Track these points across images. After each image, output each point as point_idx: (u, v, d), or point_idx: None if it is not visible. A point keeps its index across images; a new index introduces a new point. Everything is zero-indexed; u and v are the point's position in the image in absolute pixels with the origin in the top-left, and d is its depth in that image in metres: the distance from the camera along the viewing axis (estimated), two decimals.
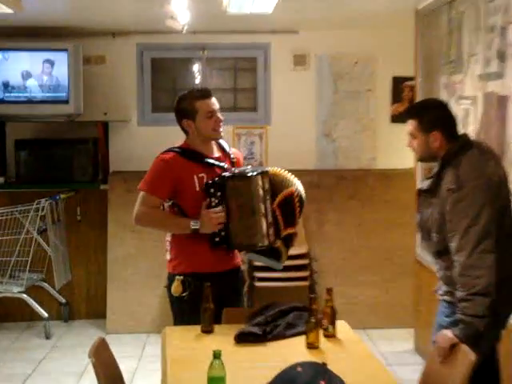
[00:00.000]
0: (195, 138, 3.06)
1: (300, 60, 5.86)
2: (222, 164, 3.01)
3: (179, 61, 5.91)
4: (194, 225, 2.94)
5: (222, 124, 3.05)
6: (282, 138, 5.87)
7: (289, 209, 2.93)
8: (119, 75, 5.84)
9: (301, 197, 3.00)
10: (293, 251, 3.08)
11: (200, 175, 2.98)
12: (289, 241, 2.99)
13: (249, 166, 3.09)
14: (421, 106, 3.10)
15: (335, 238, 5.69)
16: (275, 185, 2.95)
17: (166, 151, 3.06)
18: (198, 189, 2.96)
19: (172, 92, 5.83)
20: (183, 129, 3.08)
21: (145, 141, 5.77)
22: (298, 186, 3.00)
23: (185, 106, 3.05)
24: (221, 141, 3.16)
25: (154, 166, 3.04)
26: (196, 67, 5.92)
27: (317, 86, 5.91)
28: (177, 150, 3.03)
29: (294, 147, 5.86)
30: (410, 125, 2.84)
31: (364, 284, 5.61)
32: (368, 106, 5.94)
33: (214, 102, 3.05)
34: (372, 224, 5.68)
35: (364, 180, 5.80)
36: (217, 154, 3.08)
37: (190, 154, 3.02)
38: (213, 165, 3.03)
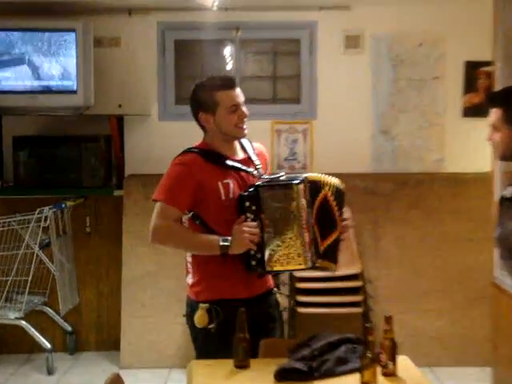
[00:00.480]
0: (215, 136, 3.08)
1: (352, 42, 5.85)
2: (250, 169, 3.04)
3: (208, 43, 5.90)
4: (223, 242, 2.92)
5: (246, 120, 3.06)
6: (330, 136, 5.88)
7: (326, 216, 2.95)
8: (137, 60, 5.86)
9: (337, 192, 3.00)
10: (343, 271, 3.38)
11: (225, 181, 3.00)
12: (333, 250, 3.00)
13: (281, 173, 3.10)
14: (508, 92, 3.07)
15: (394, 255, 5.67)
16: (312, 192, 2.97)
17: (183, 152, 3.07)
18: (223, 197, 2.97)
19: (198, 79, 5.53)
20: (200, 124, 3.11)
21: (167, 138, 5.77)
22: (330, 181, 2.99)
23: (203, 97, 3.05)
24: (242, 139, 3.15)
25: (172, 170, 3.04)
26: (228, 50, 5.94)
27: (373, 72, 5.90)
28: (196, 150, 3.05)
29: (344, 146, 5.89)
30: (494, 114, 2.83)
31: (430, 312, 5.60)
32: (435, 97, 5.92)
33: (239, 94, 3.05)
34: (439, 239, 5.68)
35: (429, 186, 5.78)
36: (241, 155, 3.11)
37: (212, 156, 3.03)
38: (239, 169, 3.05)
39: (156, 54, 5.85)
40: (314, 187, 2.93)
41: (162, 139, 5.85)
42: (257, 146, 3.22)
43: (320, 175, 2.99)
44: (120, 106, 5.81)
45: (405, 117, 5.96)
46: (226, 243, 2.91)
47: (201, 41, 5.89)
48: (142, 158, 5.90)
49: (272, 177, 3.02)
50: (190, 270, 3.11)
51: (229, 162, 2.99)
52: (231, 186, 2.99)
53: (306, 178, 2.91)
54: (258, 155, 3.18)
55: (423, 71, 5.87)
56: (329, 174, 3.06)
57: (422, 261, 5.65)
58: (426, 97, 5.90)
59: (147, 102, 5.92)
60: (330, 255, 2.98)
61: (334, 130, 5.90)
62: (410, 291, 5.60)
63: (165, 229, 2.96)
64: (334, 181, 3.01)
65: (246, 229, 2.89)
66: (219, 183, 2.98)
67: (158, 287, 5.57)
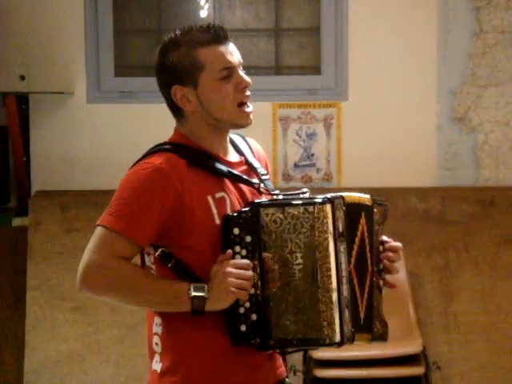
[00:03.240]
0: (198, 124, 2.62)
1: None
2: (255, 181, 2.64)
3: None
4: (195, 290, 2.46)
5: (249, 93, 2.58)
6: (369, 127, 5.23)
7: (367, 257, 2.57)
8: (49, 2, 5.23)
9: (382, 213, 2.64)
10: (392, 348, 3.34)
11: (218, 195, 2.58)
12: (377, 312, 2.58)
13: (303, 189, 2.58)
14: None
15: (477, 323, 4.95)
16: (352, 223, 2.55)
17: (152, 152, 2.58)
18: (217, 221, 2.55)
19: (154, 38, 5.45)
20: (172, 105, 2.61)
21: (103, 131, 5.24)
22: (373, 201, 2.58)
23: (177, 59, 2.58)
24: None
25: (135, 179, 2.54)
26: None
27: (439, 21, 5.23)
28: (171, 147, 2.62)
29: (392, 144, 5.25)
30: None
31: None
32: None
33: (234, 51, 2.58)
34: None
35: None
36: (235, 156, 2.70)
37: (198, 156, 2.63)
38: (240, 179, 2.64)
39: None
40: (355, 213, 2.56)
41: (94, 132, 5.26)
42: (252, 144, 2.82)
43: (363, 195, 2.61)
44: (23, 78, 5.02)
45: (493, 95, 5.24)
46: (200, 293, 2.47)
47: None
48: (60, 163, 5.27)
49: (287, 194, 2.63)
50: (158, 347, 2.59)
51: (222, 167, 2.61)
52: (228, 202, 2.59)
53: (341, 196, 2.55)
54: (258, 159, 2.80)
55: None
56: (368, 190, 2.65)
57: None
58: None
59: (68, 73, 5.30)
60: (375, 321, 2.61)
61: (376, 117, 5.26)
62: (504, 382, 5.00)
63: (106, 268, 2.45)
64: (367, 198, 2.62)
65: (231, 270, 2.48)
66: (209, 198, 2.57)
67: (86, 379, 4.97)
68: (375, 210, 2.67)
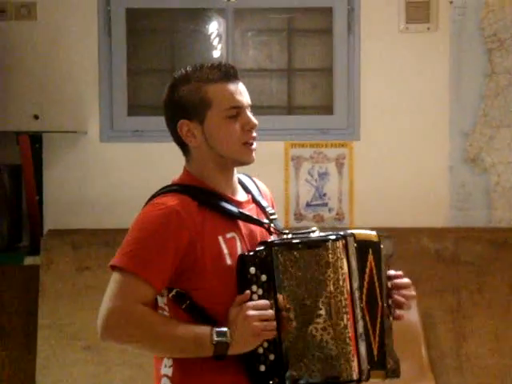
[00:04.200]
0: (204, 162, 2.68)
1: (418, 12, 5.15)
2: (265, 221, 2.71)
3: (181, 16, 5.44)
4: (218, 336, 2.47)
5: (255, 134, 2.66)
6: (380, 167, 5.24)
7: (377, 293, 2.62)
8: (63, 42, 5.21)
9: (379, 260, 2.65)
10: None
11: (229, 236, 2.62)
12: (390, 349, 2.61)
13: (312, 228, 2.69)
14: None
15: (491, 366, 4.89)
16: (362, 261, 2.60)
17: (162, 192, 2.65)
18: (229, 262, 2.57)
19: (167, 77, 5.25)
20: (179, 141, 2.67)
21: (115, 170, 5.20)
22: (374, 238, 2.63)
23: (185, 95, 2.65)
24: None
25: (147, 221, 2.59)
26: (214, 27, 5.38)
27: (453, 62, 5.20)
28: (181, 188, 2.66)
29: (404, 184, 5.24)
30: None
31: None
32: None
33: (242, 91, 2.66)
34: None
35: None
36: (243, 195, 2.75)
37: (208, 197, 2.68)
38: (250, 219, 2.69)
39: (96, 32, 5.21)
40: (363, 250, 2.61)
41: (106, 171, 5.24)
42: (259, 184, 2.89)
43: (369, 232, 2.66)
44: (37, 117, 5.15)
45: (506, 135, 5.25)
46: (223, 338, 2.49)
47: (170, 11, 5.39)
48: (73, 202, 5.25)
49: (297, 233, 2.67)
50: None
51: (233, 208, 2.67)
52: (238, 242, 2.62)
53: (351, 234, 2.60)
54: (265, 199, 2.89)
55: None
56: (380, 230, 2.69)
57: None
58: None
59: (82, 113, 5.30)
60: (388, 357, 2.63)
61: (388, 157, 5.26)
62: None
63: (129, 315, 2.47)
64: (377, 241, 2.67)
65: (253, 313, 2.50)
66: (220, 238, 2.60)
67: None
68: (382, 246, 2.69)
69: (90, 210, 5.15)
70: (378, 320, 2.65)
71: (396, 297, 2.70)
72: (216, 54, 5.30)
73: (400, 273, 2.75)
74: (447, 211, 5.24)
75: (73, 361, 4.87)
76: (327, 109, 5.33)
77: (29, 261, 5.07)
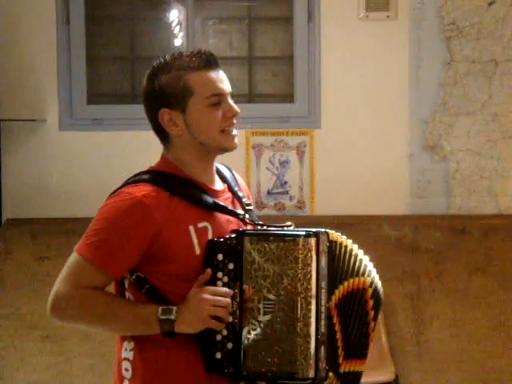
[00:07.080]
0: (185, 149, 2.69)
1: (378, 0, 5.21)
2: (240, 211, 2.73)
3: (141, 4, 5.48)
4: (163, 314, 2.51)
5: (236, 122, 2.66)
6: (341, 155, 5.30)
7: (356, 317, 2.57)
8: (22, 31, 5.28)
9: (377, 297, 2.63)
10: (364, 377, 2.63)
11: (200, 225, 2.64)
12: (351, 381, 2.63)
13: (287, 223, 2.72)
14: None
15: (449, 352, 5.00)
16: (335, 262, 2.61)
17: (133, 182, 2.66)
18: (197, 251, 2.59)
19: (126, 65, 5.46)
20: (159, 129, 2.69)
21: (75, 159, 5.22)
22: (374, 274, 2.61)
23: (166, 84, 2.66)
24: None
25: (116, 212, 2.59)
26: (174, 16, 5.44)
27: (412, 51, 5.28)
28: (154, 178, 2.67)
29: (365, 172, 5.29)
30: None
31: None
32: None
33: (223, 79, 2.65)
34: None
35: (507, 237, 5.20)
36: (219, 184, 2.78)
37: (182, 186, 2.67)
38: (226, 211, 2.71)
39: (55, 20, 5.20)
40: (344, 255, 2.62)
41: (65, 160, 5.23)
42: (237, 176, 2.95)
43: (344, 238, 2.65)
44: None
45: (465, 123, 5.32)
46: (168, 316, 2.53)
47: None
48: (32, 191, 5.27)
49: (272, 225, 2.70)
50: (126, 372, 2.61)
51: (207, 199, 2.67)
52: (210, 232, 2.65)
53: (325, 232, 2.61)
54: (241, 189, 2.92)
55: (495, 48, 5.28)
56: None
57: (497, 362, 5.00)
58: (499, 90, 5.33)
59: (41, 101, 5.32)
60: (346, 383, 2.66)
61: (348, 145, 5.31)
62: None
63: (73, 299, 2.53)
64: (377, 280, 2.60)
65: (208, 297, 2.52)
66: (190, 228, 2.61)
67: None
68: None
69: (50, 199, 5.15)
70: (352, 323, 2.62)
71: None
72: (176, 42, 5.33)
73: None
74: (407, 199, 5.30)
75: (32, 351, 4.89)
76: (288, 97, 5.38)
77: None
